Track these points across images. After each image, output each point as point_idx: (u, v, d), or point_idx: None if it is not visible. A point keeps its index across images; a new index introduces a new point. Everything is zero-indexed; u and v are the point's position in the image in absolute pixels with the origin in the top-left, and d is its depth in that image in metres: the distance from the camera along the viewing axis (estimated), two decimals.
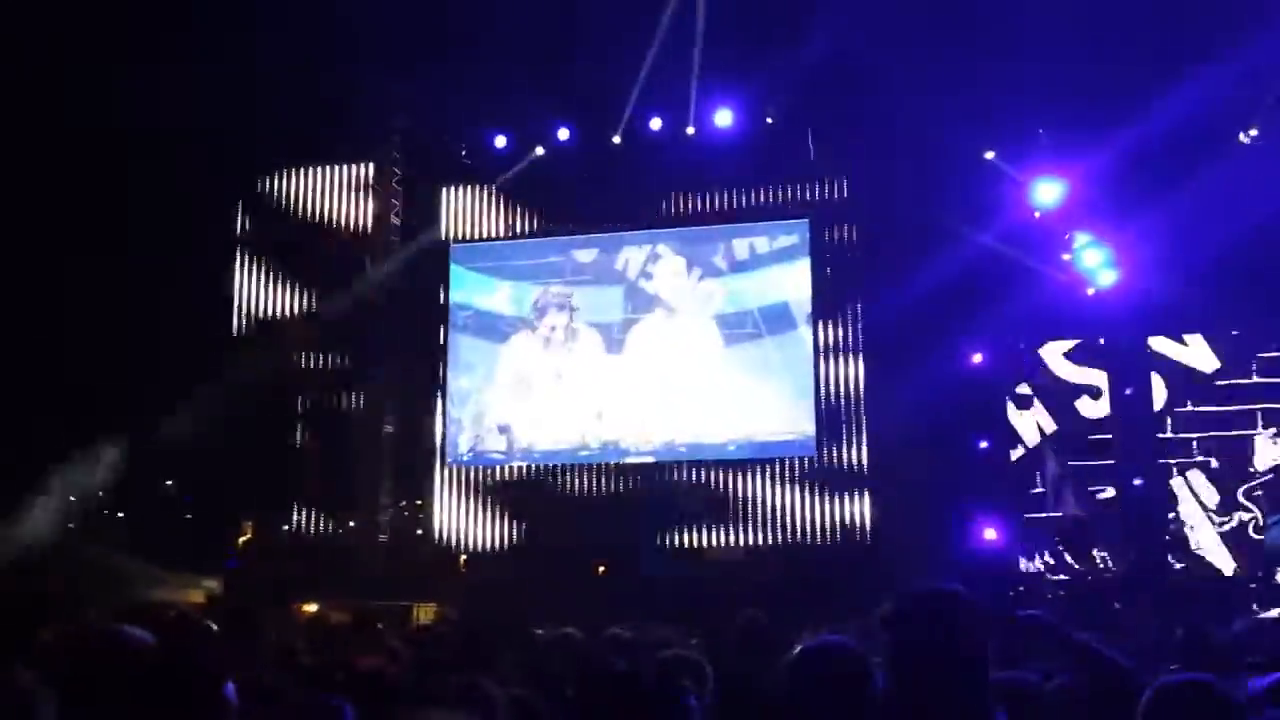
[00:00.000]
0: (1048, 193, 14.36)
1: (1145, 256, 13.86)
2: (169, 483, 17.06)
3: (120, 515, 16.44)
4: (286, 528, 16.65)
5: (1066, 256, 14.73)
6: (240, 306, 17.12)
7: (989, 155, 14.60)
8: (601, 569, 15.54)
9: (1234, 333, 14.55)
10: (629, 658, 4.02)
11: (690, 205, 16.59)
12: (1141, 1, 12.40)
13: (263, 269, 17.23)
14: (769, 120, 15.58)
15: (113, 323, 14.52)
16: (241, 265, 17.21)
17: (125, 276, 14.66)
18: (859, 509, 15.36)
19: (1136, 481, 14.23)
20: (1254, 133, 13.46)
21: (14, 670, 2.71)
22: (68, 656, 3.08)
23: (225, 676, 2.65)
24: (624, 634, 4.59)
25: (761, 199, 16.35)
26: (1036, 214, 14.61)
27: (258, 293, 17.17)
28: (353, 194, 17.30)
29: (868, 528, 15.26)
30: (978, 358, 15.07)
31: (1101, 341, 14.87)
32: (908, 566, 13.29)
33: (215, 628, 4.62)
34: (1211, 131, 13.28)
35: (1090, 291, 14.59)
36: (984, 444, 14.88)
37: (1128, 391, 14.54)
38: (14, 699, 2.58)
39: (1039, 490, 14.42)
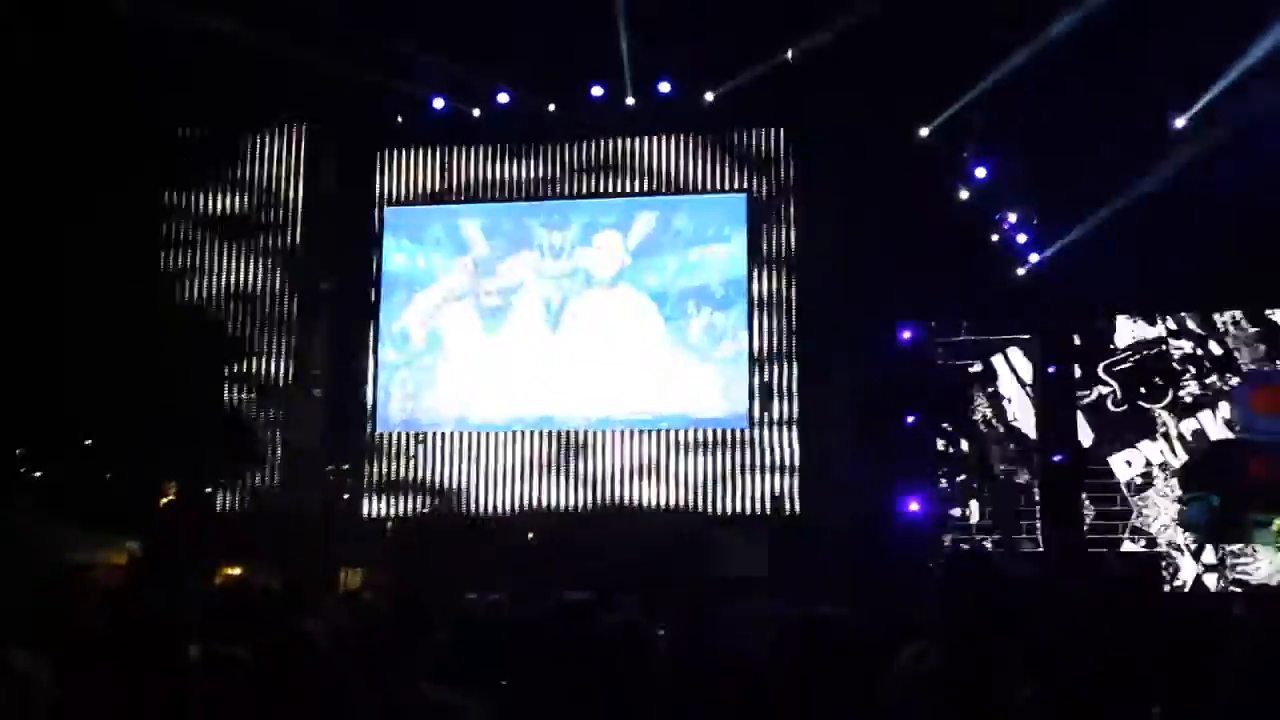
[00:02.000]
0: (979, 173, 14.64)
1: (1071, 237, 14.16)
2: (88, 441, 16.67)
3: (38, 474, 16.05)
4: (210, 490, 16.39)
5: (996, 237, 14.99)
6: (171, 270, 16.78)
7: (923, 133, 14.77)
8: (531, 535, 15.57)
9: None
10: (573, 619, 4.06)
11: (628, 177, 16.52)
12: None
13: (192, 232, 16.89)
14: (708, 97, 15.57)
15: (38, 286, 14.16)
16: (171, 227, 16.86)
17: (49, 237, 14.29)
18: (788, 480, 15.53)
19: (1056, 458, 14.61)
20: (1182, 122, 13.81)
21: (10, 651, 2.66)
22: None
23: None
24: (578, 596, 4.65)
25: (699, 174, 16.35)
26: (966, 194, 14.85)
27: (188, 256, 16.82)
28: (287, 159, 16.97)
29: (795, 498, 15.46)
30: (906, 334, 15.27)
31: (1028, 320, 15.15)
32: (834, 535, 13.57)
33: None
34: (1141, 117, 13.59)
35: (1020, 271, 14.89)
36: (911, 419, 15.10)
37: (1050, 370, 14.87)
38: (12, 681, 2.54)
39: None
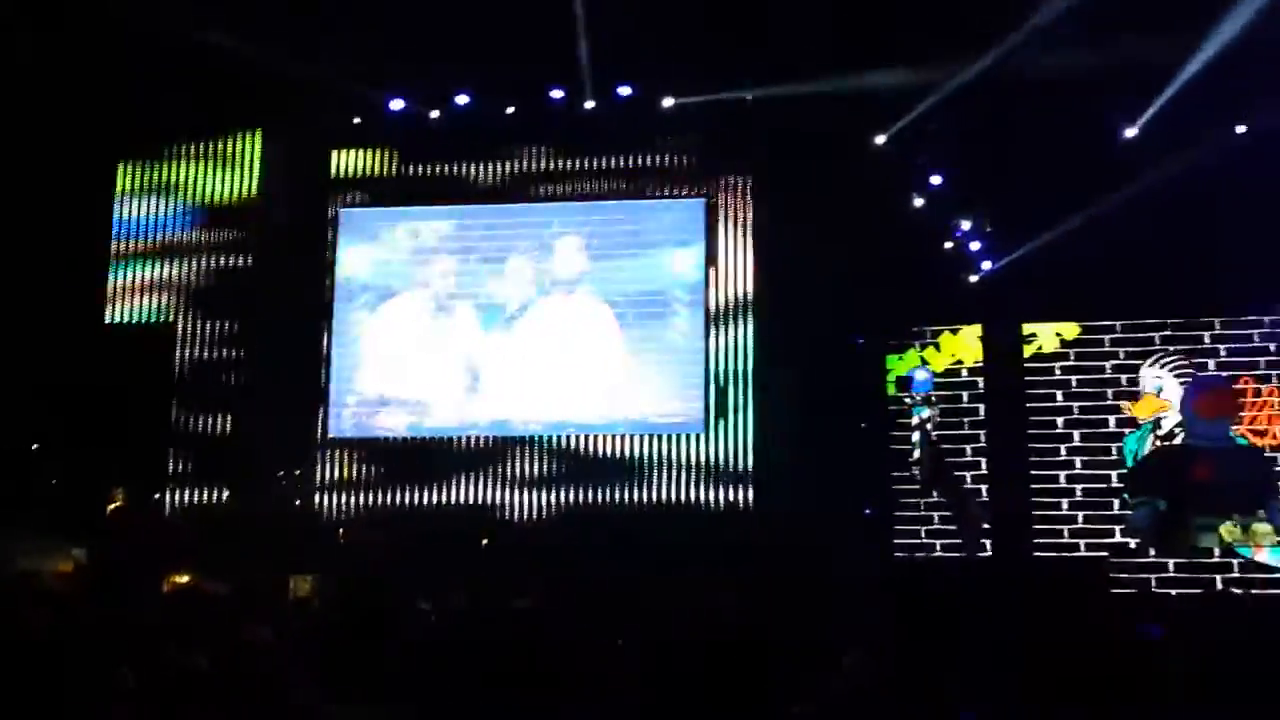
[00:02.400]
0: (934, 180, 14.81)
1: (1024, 244, 14.36)
2: (34, 446, 16.41)
3: None
4: (159, 496, 16.17)
5: (949, 244, 15.16)
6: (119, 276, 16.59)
7: (879, 141, 14.90)
8: (485, 541, 15.51)
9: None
10: (521, 627, 4.05)
11: (586, 180, 16.50)
12: None
13: (141, 239, 16.69)
14: (667, 102, 15.59)
15: None
16: (120, 236, 16.65)
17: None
18: (742, 485, 15.57)
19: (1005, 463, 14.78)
20: (1133, 132, 14.03)
21: None
22: None
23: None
24: (526, 603, 4.65)
25: (658, 178, 16.36)
26: (920, 202, 15.01)
27: (136, 265, 16.61)
28: (239, 161, 16.78)
29: (749, 503, 15.50)
30: (861, 340, 15.39)
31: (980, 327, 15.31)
32: (787, 540, 13.63)
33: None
34: (1094, 125, 13.81)
35: (973, 279, 15.08)
36: (863, 425, 15.20)
37: (1000, 376, 15.04)
38: None
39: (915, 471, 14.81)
